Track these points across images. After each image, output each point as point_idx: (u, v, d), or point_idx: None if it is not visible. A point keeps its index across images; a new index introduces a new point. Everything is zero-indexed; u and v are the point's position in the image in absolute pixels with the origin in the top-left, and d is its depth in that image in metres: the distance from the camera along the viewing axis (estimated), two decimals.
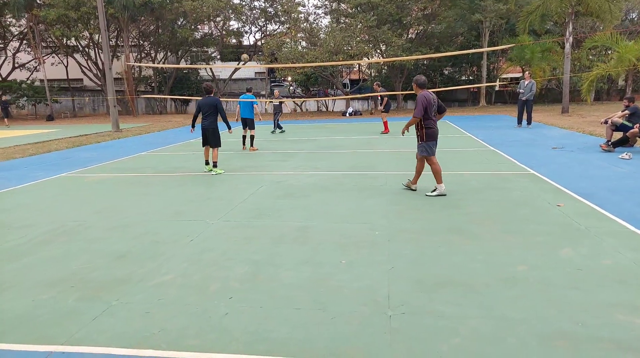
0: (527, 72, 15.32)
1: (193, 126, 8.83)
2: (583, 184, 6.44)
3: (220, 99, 8.37)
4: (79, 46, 29.73)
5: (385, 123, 14.19)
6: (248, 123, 11.32)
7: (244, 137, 11.54)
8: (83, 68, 30.82)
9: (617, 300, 3.08)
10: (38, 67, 30.15)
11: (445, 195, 6.07)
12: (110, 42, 30.44)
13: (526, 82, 14.60)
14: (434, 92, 6.31)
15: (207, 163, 8.40)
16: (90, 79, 31.74)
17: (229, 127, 8.46)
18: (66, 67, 32.86)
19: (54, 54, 32.82)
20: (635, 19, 32.20)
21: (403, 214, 5.28)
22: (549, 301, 3.09)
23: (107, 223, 5.19)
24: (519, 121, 14.98)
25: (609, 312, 2.93)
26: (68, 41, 29.63)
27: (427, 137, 6.10)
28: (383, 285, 3.40)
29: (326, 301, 3.17)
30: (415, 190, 6.42)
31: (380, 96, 14.49)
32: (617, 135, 9.60)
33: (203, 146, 8.39)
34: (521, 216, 5.01)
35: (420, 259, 3.90)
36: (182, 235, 4.69)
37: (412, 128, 6.45)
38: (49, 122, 25.53)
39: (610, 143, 9.37)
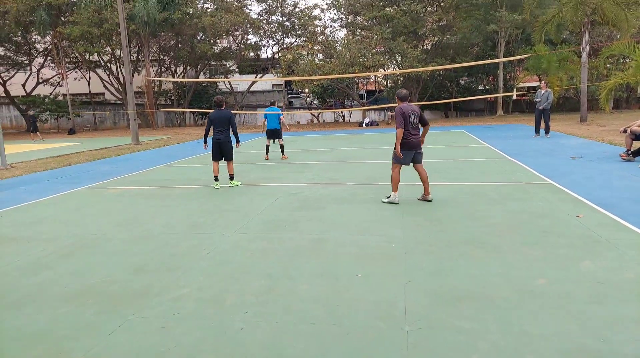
0: (543, 82, 15.27)
1: (205, 141, 8.64)
2: (603, 194, 6.31)
3: (234, 112, 8.43)
4: (101, 61, 30.58)
5: None
6: (276, 134, 11.73)
7: (267, 147, 11.98)
8: (105, 82, 31.66)
9: (639, 315, 3.00)
10: (61, 82, 31.08)
11: (397, 203, 6.24)
12: (131, 57, 31.24)
13: (542, 92, 14.46)
14: (452, 101, 6.41)
15: (216, 179, 8.18)
16: (112, 93, 32.57)
17: (238, 141, 8.48)
18: (88, 81, 33.83)
19: (76, 69, 33.82)
20: None
21: (420, 225, 5.24)
22: (570, 316, 3.02)
23: (127, 236, 5.28)
24: (537, 131, 14.85)
25: (632, 328, 2.84)
26: (91, 57, 30.54)
27: (401, 146, 6.23)
28: (400, 299, 3.38)
29: (342, 316, 3.16)
30: (431, 201, 6.40)
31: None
32: (637, 144, 9.39)
33: (214, 160, 8.22)
34: (541, 228, 4.93)
35: (439, 272, 3.86)
36: (200, 247, 4.74)
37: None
38: (70, 136, 26.21)
39: (630, 152, 9.17)
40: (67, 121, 31.21)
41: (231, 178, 8.27)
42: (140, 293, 3.65)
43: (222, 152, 8.16)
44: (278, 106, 12.61)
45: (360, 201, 6.56)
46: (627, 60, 24.30)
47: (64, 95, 30.59)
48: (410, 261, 4.14)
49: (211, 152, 8.26)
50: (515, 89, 31.27)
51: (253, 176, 9.21)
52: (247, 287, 3.70)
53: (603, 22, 21.71)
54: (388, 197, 6.40)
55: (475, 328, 2.92)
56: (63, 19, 28.05)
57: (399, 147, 6.24)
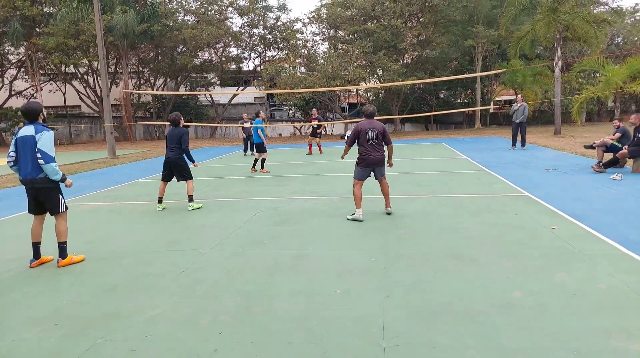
0: (519, 96, 15.58)
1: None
2: (576, 206, 6.44)
3: (215, 125, 8.19)
4: (78, 73, 30.05)
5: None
6: (257, 147, 11.70)
7: (255, 160, 12.00)
8: (81, 95, 31.07)
9: (612, 326, 3.04)
10: (35, 94, 30.39)
11: (362, 221, 6.08)
12: (109, 69, 30.83)
13: (519, 105, 14.80)
14: (432, 114, 6.52)
15: (160, 201, 7.52)
16: (88, 106, 31.97)
17: (192, 161, 7.75)
18: (64, 94, 33.14)
19: (51, 81, 33.11)
20: (621, 43, 32.92)
21: (400, 239, 5.24)
22: (545, 328, 3.04)
23: (98, 254, 5.13)
24: (513, 143, 15.12)
25: (604, 339, 2.88)
26: (67, 68, 29.96)
27: (358, 162, 6.33)
28: (378, 315, 3.35)
29: (320, 334, 3.10)
30: (389, 214, 6.44)
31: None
32: (608, 156, 9.68)
33: (162, 179, 7.63)
34: (517, 240, 4.98)
35: (417, 286, 3.85)
36: (174, 265, 4.63)
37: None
38: None
39: (601, 163, 9.43)
40: None
41: (190, 199, 7.51)
42: (110, 315, 3.52)
43: (172, 171, 7.52)
44: (259, 117, 12.45)
45: (342, 215, 6.54)
46: (598, 75, 25.16)
47: None
48: (389, 275, 4.13)
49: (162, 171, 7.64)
50: (492, 103, 32.02)
51: (233, 190, 9.12)
52: (222, 306, 3.61)
53: (574, 39, 22.49)
54: (352, 214, 6.26)
55: (452, 343, 2.91)
56: (38, 29, 27.48)
57: (343, 155, 6.77)
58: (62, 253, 4.78)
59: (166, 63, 30.96)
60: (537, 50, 27.30)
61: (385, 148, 6.41)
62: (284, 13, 32.13)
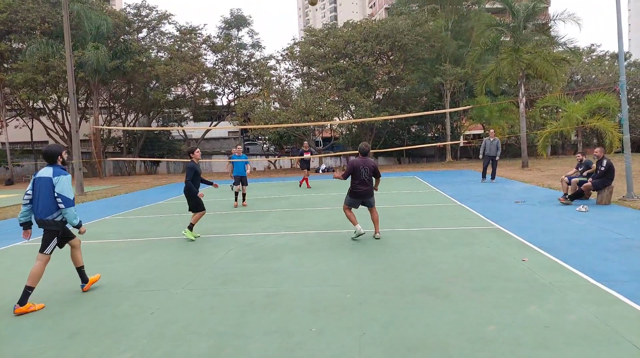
0: (491, 130, 15.49)
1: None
2: (545, 237, 6.61)
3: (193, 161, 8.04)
4: (47, 109, 29.48)
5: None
6: (242, 180, 11.84)
7: (237, 194, 11.97)
8: (49, 131, 30.36)
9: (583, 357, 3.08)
10: (0, 130, 29.49)
11: (363, 234, 7.03)
12: (80, 105, 30.43)
13: (491, 140, 14.69)
14: (404, 149, 6.94)
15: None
16: (56, 141, 31.21)
17: (195, 193, 7.77)
18: (31, 129, 32.36)
19: (18, 117, 32.31)
20: (580, 80, 34.95)
21: (376, 273, 5.23)
22: None
23: (63, 296, 4.90)
24: (483, 176, 15.30)
25: None
26: (35, 104, 29.36)
27: (350, 194, 7.22)
28: (354, 353, 3.29)
29: None
30: (378, 238, 7.07)
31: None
32: (574, 188, 10.05)
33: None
34: (489, 273, 5.05)
35: (393, 322, 3.82)
36: (144, 306, 4.46)
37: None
38: (7, 187, 24.62)
39: (567, 196, 9.78)
40: (4, 171, 29.35)
41: (189, 227, 7.73)
42: None
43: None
44: (236, 151, 12.61)
45: (317, 250, 6.50)
46: (560, 110, 26.50)
47: (2, 143, 28.92)
48: (364, 311, 4.09)
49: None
50: (462, 137, 33.09)
51: (206, 227, 8.95)
52: (194, 349, 3.48)
53: (536, 76, 23.77)
54: (355, 233, 7.06)
55: None
56: (5, 65, 27.06)
57: (336, 175, 7.48)
58: (23, 299, 4.49)
59: (138, 98, 30.82)
60: (502, 87, 28.69)
61: (374, 180, 7.28)
62: (257, 50, 32.88)
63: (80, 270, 5.11)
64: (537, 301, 4.13)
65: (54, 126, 30.22)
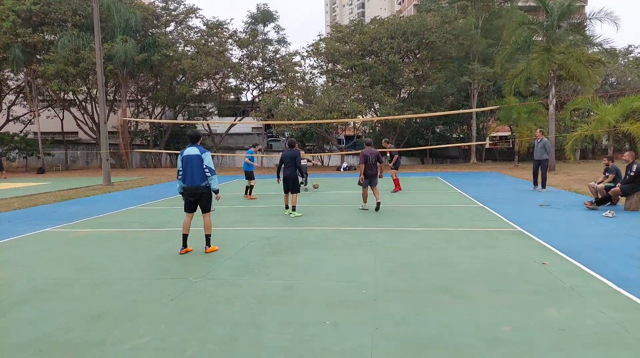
0: (538, 130, 13.49)
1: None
2: (569, 242, 6.46)
3: (212, 154, 8.42)
4: (77, 100, 30.35)
5: (396, 181, 13.39)
6: (246, 175, 12.65)
7: (246, 187, 12.73)
8: (78, 121, 31.27)
9: None
10: (33, 120, 30.54)
11: (367, 210, 9.68)
12: (108, 97, 31.25)
13: (538, 141, 12.94)
14: (428, 148, 7.35)
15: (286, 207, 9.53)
16: (85, 132, 32.16)
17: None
18: (61, 120, 33.38)
19: (50, 108, 33.36)
20: (615, 83, 33.79)
21: (392, 271, 5.23)
22: None
23: (88, 281, 5.08)
24: (534, 183, 13.15)
25: None
26: (65, 95, 30.24)
27: (365, 175, 9.59)
28: (366, 348, 3.31)
29: None
30: (379, 203, 9.52)
31: (390, 152, 14.29)
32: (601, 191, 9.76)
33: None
34: (508, 275, 4.98)
35: (407, 319, 3.83)
36: (164, 293, 4.58)
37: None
38: (39, 175, 25.52)
39: (594, 201, 9.51)
40: (37, 159, 30.43)
41: (293, 208, 9.42)
42: (96, 343, 3.47)
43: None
44: (253, 148, 13.25)
45: (335, 247, 6.53)
46: (591, 114, 25.74)
47: (35, 133, 29.95)
48: (379, 307, 4.10)
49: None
50: (487, 138, 32.48)
51: (227, 220, 9.11)
52: (210, 336, 3.56)
53: (568, 78, 23.09)
54: (362, 207, 9.94)
55: None
56: (38, 56, 27.94)
57: (362, 176, 9.62)
58: (208, 242, 6.32)
59: (165, 92, 31.41)
60: (532, 88, 27.97)
61: (379, 165, 9.70)
62: (283, 46, 33.02)
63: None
64: (555, 305, 4.06)
65: (84, 117, 31.09)
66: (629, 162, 9.21)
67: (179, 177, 6.14)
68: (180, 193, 6.28)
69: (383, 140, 14.98)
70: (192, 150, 6.13)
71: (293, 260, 5.80)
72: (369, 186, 9.76)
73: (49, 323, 3.89)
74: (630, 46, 38.14)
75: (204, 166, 6.04)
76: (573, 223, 7.96)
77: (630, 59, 37.15)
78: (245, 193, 12.64)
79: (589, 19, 21.64)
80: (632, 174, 8.99)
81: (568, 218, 8.52)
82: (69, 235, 7.79)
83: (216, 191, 6.23)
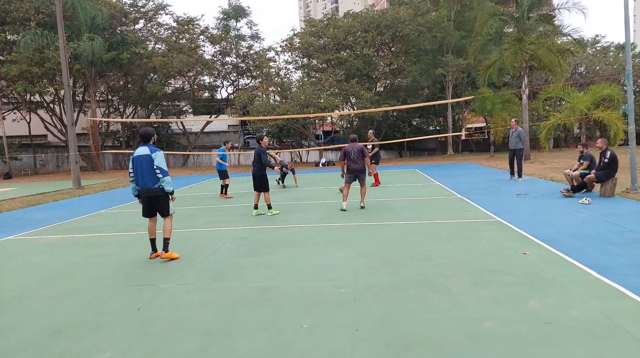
0: (513, 120, 13.40)
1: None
2: (547, 230, 6.44)
3: (187, 154, 8.10)
4: (44, 102, 29.25)
5: (375, 176, 13.12)
6: (219, 174, 12.27)
7: (221, 186, 12.34)
8: (46, 124, 30.16)
9: (586, 354, 2.94)
10: None
11: (345, 210, 8.91)
12: (77, 98, 30.21)
13: (512, 130, 12.88)
14: (405, 141, 7.33)
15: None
16: (54, 135, 31.03)
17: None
18: (28, 123, 32.13)
19: (15, 110, 32.05)
20: (584, 72, 34.57)
21: (372, 268, 5.07)
22: None
23: (50, 292, 4.75)
24: (511, 173, 13.19)
25: None
26: (31, 97, 29.09)
27: (347, 170, 9.23)
28: (346, 351, 3.14)
29: None
30: (363, 207, 9.12)
31: (372, 145, 13.08)
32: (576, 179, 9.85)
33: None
34: (489, 267, 4.89)
35: (388, 318, 3.67)
36: (131, 302, 4.31)
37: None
38: (5, 181, 24.48)
39: (570, 188, 9.59)
40: (2, 164, 29.18)
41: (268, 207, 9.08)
42: None
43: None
44: (224, 146, 12.97)
45: (313, 244, 6.35)
46: (563, 102, 26.22)
47: (0, 137, 28.71)
48: (359, 307, 3.93)
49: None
50: (463, 129, 32.79)
51: (200, 221, 8.81)
52: (179, 347, 3.33)
53: (540, 68, 23.44)
54: (342, 207, 9.10)
55: None
56: (1, 57, 26.79)
57: (343, 172, 9.41)
58: (166, 247, 5.81)
59: (136, 91, 30.54)
60: (505, 78, 28.34)
61: (365, 160, 9.22)
62: (257, 42, 32.54)
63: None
64: (538, 296, 3.97)
65: (52, 120, 29.99)
66: (602, 149, 9.30)
67: (131, 179, 5.82)
68: (135, 196, 5.94)
69: (370, 131, 14.67)
70: (142, 150, 5.75)
71: (269, 261, 5.58)
72: (351, 184, 9.21)
73: (5, 340, 3.57)
74: (597, 35, 39.18)
75: (155, 167, 5.66)
76: (551, 211, 7.97)
77: (598, 48, 38.06)
78: (221, 193, 12.31)
79: (558, 9, 21.99)
80: (605, 161, 9.08)
81: (545, 206, 8.55)
82: (33, 243, 7.37)
83: (171, 193, 5.84)
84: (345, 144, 9.45)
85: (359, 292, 4.31)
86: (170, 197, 5.89)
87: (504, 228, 6.77)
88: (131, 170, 5.80)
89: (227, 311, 3.99)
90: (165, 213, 5.89)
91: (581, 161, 10.04)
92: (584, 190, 9.51)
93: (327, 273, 4.99)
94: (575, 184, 9.64)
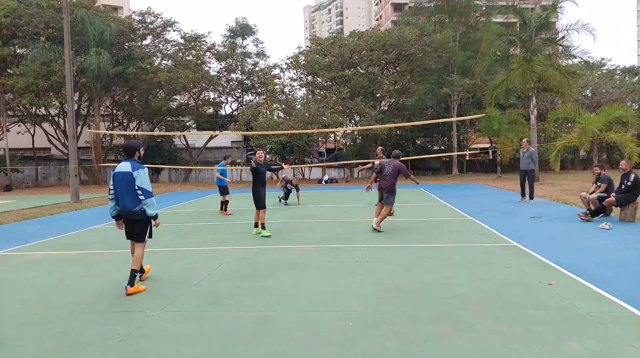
0: (525, 140, 13.17)
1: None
2: (570, 258, 5.94)
3: (190, 167, 7.68)
4: (49, 115, 29.14)
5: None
6: (220, 190, 11.82)
7: (221, 202, 11.91)
8: (50, 137, 29.99)
9: None
10: (1, 136, 29.08)
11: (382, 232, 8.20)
12: (82, 111, 30.09)
13: (524, 151, 12.55)
14: (409, 159, 6.94)
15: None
16: (57, 148, 30.84)
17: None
18: (32, 136, 32.00)
19: (20, 123, 31.96)
20: (590, 95, 34.32)
21: (383, 297, 4.59)
22: None
23: (26, 317, 4.28)
24: (522, 194, 12.82)
25: None
26: (37, 110, 29.02)
27: (378, 188, 8.82)
28: None
29: None
30: (381, 231, 8.23)
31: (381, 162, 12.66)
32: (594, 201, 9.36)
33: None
34: (514, 299, 4.40)
35: None
36: (112, 332, 3.83)
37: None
38: (5, 193, 24.12)
39: (588, 212, 9.10)
40: (4, 176, 28.88)
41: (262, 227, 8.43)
42: None
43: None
44: (224, 161, 12.56)
45: (316, 268, 5.87)
46: (571, 124, 25.87)
47: (3, 149, 28.49)
48: (370, 345, 3.45)
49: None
50: (467, 149, 32.42)
51: (198, 239, 8.35)
52: None
53: (547, 89, 23.15)
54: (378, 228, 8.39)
55: None
56: (9, 70, 26.78)
57: (368, 185, 9.39)
58: (132, 280, 4.95)
59: (141, 106, 30.43)
60: (511, 99, 28.07)
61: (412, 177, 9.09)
62: (262, 59, 32.52)
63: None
64: (575, 337, 3.47)
65: (56, 133, 29.85)
66: (626, 171, 8.82)
67: (111, 198, 5.11)
68: (112, 217, 5.18)
69: (379, 147, 14.16)
70: (124, 166, 5.00)
71: (268, 286, 5.10)
72: (381, 201, 8.82)
73: None
74: (603, 58, 39.01)
75: (136, 187, 4.90)
76: (570, 236, 7.48)
77: (604, 71, 37.90)
78: (221, 209, 11.86)
79: (566, 30, 21.81)
80: (629, 184, 8.60)
81: (563, 230, 8.06)
82: (18, 260, 6.92)
83: (154, 217, 5.07)
84: (387, 160, 9.10)
85: (369, 326, 3.83)
86: (152, 222, 5.16)
87: (522, 254, 6.29)
88: (111, 187, 5.09)
89: (219, 346, 3.51)
90: (141, 238, 5.14)
91: (598, 184, 9.54)
92: (602, 214, 9.02)
93: (332, 301, 4.52)
94: (593, 207, 9.15)
